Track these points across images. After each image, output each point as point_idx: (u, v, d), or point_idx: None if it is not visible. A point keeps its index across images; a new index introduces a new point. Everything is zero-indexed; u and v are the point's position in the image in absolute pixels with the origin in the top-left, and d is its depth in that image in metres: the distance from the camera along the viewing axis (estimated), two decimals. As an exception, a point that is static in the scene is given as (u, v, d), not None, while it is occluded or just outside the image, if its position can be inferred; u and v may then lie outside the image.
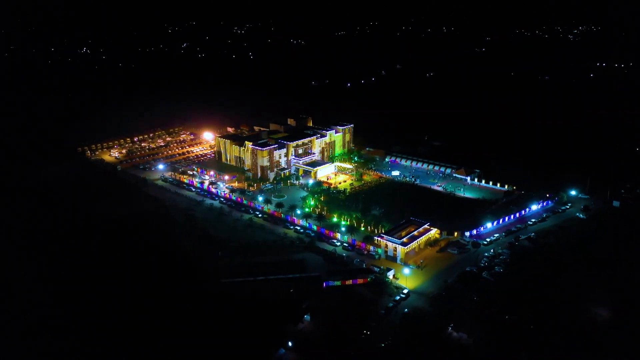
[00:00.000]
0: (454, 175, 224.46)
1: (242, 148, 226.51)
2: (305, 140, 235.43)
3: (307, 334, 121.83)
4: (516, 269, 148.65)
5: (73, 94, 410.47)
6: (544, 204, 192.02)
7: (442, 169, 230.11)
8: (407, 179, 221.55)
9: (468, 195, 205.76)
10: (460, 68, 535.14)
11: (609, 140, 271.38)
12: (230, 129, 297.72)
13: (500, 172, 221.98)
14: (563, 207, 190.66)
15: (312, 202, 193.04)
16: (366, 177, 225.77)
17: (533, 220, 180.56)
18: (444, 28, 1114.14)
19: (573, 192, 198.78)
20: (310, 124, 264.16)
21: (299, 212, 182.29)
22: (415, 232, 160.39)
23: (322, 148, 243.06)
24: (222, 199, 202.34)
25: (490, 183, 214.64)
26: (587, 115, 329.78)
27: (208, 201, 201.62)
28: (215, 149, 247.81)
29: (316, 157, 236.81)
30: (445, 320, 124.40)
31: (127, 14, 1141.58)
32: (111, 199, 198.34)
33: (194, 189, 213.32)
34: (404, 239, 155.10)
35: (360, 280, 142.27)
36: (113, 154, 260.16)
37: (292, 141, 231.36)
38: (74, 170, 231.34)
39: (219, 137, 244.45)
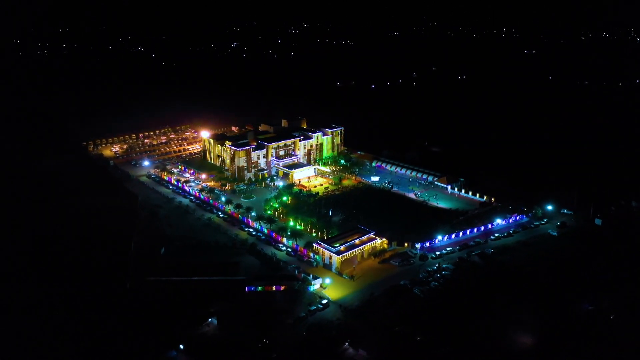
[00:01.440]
0: (436, 183, 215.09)
1: (223, 147, 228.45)
2: (288, 141, 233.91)
3: (207, 338, 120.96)
4: (453, 286, 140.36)
5: (107, 90, 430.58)
6: (516, 217, 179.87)
7: (425, 176, 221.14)
8: (385, 185, 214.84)
9: (442, 204, 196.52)
10: (497, 71, 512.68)
11: (614, 153, 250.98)
12: (234, 128, 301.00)
13: (485, 182, 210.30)
14: (537, 222, 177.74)
15: (277, 204, 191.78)
16: (346, 182, 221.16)
17: (497, 234, 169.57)
18: (504, 29, 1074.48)
19: (550, 207, 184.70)
20: (305, 126, 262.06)
21: (253, 214, 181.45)
22: (357, 241, 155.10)
23: (308, 150, 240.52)
24: (193, 198, 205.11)
25: (470, 193, 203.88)
26: (602, 123, 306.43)
27: (180, 199, 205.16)
28: (202, 147, 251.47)
29: (299, 159, 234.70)
30: (348, 335, 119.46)
31: (190, 14, 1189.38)
32: (88, 192, 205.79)
33: (171, 187, 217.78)
34: (341, 247, 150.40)
35: (283, 287, 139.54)
36: (113, 149, 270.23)
37: (276, 142, 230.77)
38: (69, 163, 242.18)
39: (206, 137, 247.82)
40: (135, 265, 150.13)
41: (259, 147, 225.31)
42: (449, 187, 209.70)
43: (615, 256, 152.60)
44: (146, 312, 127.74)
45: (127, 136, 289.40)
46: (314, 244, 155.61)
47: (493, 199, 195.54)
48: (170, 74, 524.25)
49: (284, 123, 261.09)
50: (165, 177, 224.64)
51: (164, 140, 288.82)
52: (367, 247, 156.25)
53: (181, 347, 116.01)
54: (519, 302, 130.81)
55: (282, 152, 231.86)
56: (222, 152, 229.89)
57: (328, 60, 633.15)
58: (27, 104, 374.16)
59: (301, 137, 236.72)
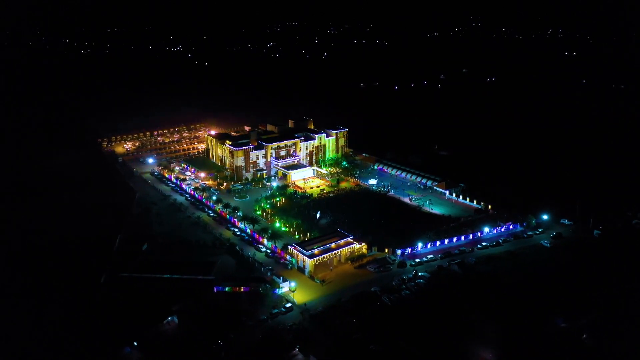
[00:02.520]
0: (434, 188, 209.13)
1: (223, 147, 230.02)
2: (288, 142, 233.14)
3: (164, 336, 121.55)
4: (424, 296, 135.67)
5: (135, 88, 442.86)
6: (509, 226, 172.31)
7: (424, 181, 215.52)
8: (382, 188, 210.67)
9: (436, 210, 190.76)
10: (530, 74, 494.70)
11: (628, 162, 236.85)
12: (247, 128, 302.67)
13: (486, 189, 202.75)
14: (530, 232, 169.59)
15: (267, 205, 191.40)
16: (344, 184, 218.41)
17: (484, 243, 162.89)
18: (552, 29, 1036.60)
19: (545, 216, 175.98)
20: (312, 127, 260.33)
21: (239, 213, 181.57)
22: (333, 245, 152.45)
23: (310, 151, 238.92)
24: (188, 196, 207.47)
25: (468, 199, 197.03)
26: (626, 131, 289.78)
27: (176, 196, 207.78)
28: (205, 147, 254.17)
29: (299, 160, 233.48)
30: (303, 340, 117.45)
31: (235, 14, 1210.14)
32: (89, 188, 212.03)
33: (170, 184, 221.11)
34: (315, 251, 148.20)
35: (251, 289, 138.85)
36: (126, 146, 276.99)
37: (276, 142, 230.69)
38: (80, 159, 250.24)
39: (208, 135, 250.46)
40: (115, 261, 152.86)
41: (258, 147, 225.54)
42: (447, 192, 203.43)
43: (605, 272, 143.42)
44: (111, 307, 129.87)
45: (141, 133, 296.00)
46: (289, 247, 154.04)
47: (490, 206, 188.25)
48: (200, 73, 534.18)
49: (291, 123, 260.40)
50: (167, 175, 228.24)
51: (176, 138, 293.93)
52: (344, 251, 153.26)
53: (135, 343, 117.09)
54: (490, 315, 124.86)
55: (282, 153, 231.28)
56: (223, 152, 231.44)
57: (359, 60, 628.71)
58: (56, 100, 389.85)
59: (302, 138, 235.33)
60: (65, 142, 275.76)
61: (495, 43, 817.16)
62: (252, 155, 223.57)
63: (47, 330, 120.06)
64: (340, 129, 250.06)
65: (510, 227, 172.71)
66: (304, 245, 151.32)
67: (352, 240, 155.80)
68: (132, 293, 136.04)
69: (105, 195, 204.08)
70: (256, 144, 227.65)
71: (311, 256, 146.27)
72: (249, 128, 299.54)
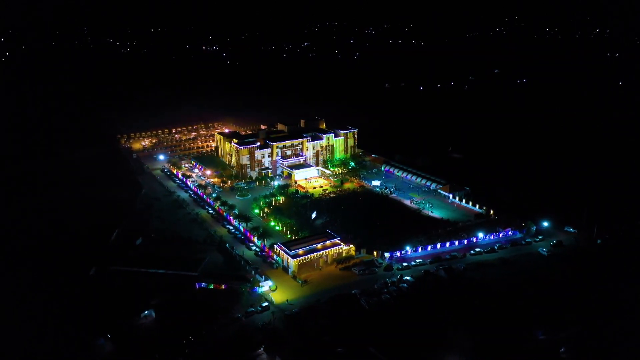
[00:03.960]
0: (439, 191, 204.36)
1: (231, 145, 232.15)
2: (295, 142, 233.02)
3: (138, 329, 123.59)
4: (404, 300, 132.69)
5: (164, 86, 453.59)
6: (507, 232, 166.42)
7: (428, 184, 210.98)
8: (385, 190, 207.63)
9: (436, 214, 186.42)
10: (566, 75, 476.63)
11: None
12: (263, 126, 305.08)
13: (492, 193, 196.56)
14: (529, 239, 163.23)
15: (264, 204, 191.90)
16: (348, 185, 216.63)
17: (478, 249, 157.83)
18: (598, 29, 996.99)
19: (545, 223, 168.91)
20: (323, 126, 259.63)
21: (235, 211, 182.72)
22: (319, 245, 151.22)
23: (317, 151, 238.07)
24: (192, 192, 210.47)
25: (470, 203, 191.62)
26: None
27: (180, 193, 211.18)
28: (215, 145, 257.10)
29: (305, 159, 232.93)
30: (272, 340, 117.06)
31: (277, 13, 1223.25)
32: (99, 183, 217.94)
33: (177, 181, 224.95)
34: (299, 251, 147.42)
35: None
36: (143, 143, 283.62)
37: (282, 142, 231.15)
38: (97, 155, 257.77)
39: (217, 133, 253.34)
40: (107, 254, 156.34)
41: (264, 146, 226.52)
42: (450, 195, 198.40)
43: (597, 283, 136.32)
44: (95, 299, 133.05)
45: (159, 130, 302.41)
46: (275, 246, 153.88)
47: (492, 211, 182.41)
48: (230, 73, 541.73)
49: (302, 123, 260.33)
50: (175, 172, 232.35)
51: (192, 136, 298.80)
52: (330, 252, 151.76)
53: (109, 335, 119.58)
54: (468, 324, 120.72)
55: (288, 152, 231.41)
56: (230, 150, 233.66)
57: (390, 61, 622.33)
58: (84, 97, 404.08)
59: (309, 138, 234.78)
60: (85, 139, 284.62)
61: (536, 43, 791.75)
62: (257, 154, 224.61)
63: (26, 320, 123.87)
64: (350, 129, 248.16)
65: (509, 233, 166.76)
66: (289, 245, 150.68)
67: (339, 242, 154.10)
68: (119, 286, 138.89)
69: (111, 190, 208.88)
70: (263, 142, 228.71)
71: (295, 256, 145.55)
72: (265, 126, 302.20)
